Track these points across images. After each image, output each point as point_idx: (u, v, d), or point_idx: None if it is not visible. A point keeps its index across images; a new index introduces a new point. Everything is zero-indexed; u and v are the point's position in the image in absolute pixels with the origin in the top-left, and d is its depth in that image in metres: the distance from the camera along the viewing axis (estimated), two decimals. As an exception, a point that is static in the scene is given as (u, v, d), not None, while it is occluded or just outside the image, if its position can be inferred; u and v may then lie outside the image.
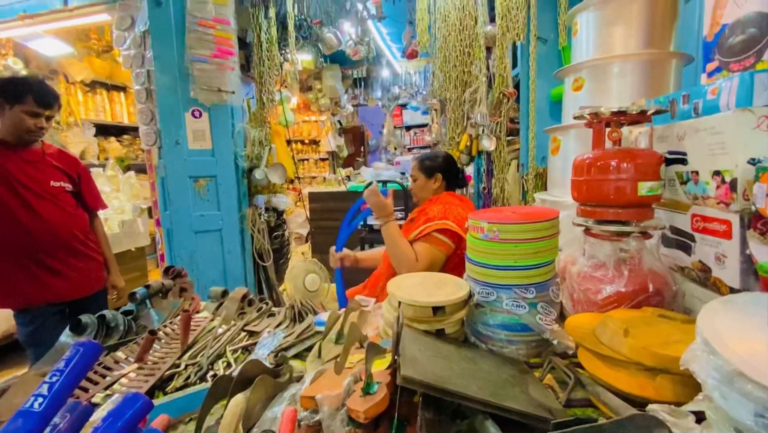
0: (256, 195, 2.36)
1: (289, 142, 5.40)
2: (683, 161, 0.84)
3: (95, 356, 0.49)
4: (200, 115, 2.14)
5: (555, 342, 0.84)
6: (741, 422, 0.43)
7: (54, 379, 0.43)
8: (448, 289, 0.95)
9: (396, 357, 0.69)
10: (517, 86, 2.05)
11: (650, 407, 0.56)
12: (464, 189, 1.93)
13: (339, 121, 5.78)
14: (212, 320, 1.13)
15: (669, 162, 0.88)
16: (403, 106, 6.09)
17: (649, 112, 0.87)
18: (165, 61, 2.07)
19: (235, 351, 0.96)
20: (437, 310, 0.90)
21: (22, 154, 1.56)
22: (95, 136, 3.47)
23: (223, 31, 2.04)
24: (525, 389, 0.72)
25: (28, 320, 1.53)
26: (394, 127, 6.17)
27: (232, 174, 2.23)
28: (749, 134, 0.69)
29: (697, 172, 0.80)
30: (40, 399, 0.41)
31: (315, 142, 6.17)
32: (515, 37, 1.78)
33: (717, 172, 0.74)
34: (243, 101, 2.37)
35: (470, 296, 0.94)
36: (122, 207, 2.89)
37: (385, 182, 2.57)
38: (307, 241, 4.63)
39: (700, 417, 0.54)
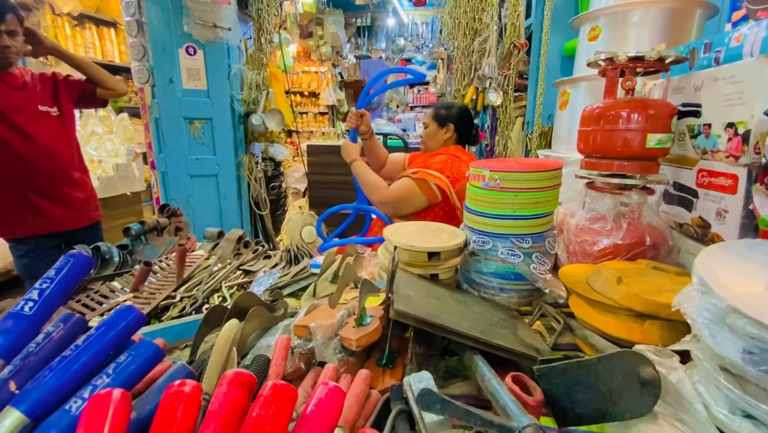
0: (253, 142, 2.30)
1: (287, 92, 5.22)
2: (696, 114, 0.81)
3: (86, 267, 0.49)
4: (195, 52, 2.03)
5: (547, 291, 0.85)
6: (728, 360, 0.44)
7: (44, 286, 0.43)
8: (444, 237, 0.96)
9: (390, 294, 0.70)
10: (529, 38, 1.94)
11: (637, 347, 0.58)
12: (475, 147, 1.89)
13: (340, 74, 5.55)
14: (208, 258, 1.14)
15: (681, 115, 0.85)
16: (408, 60, 5.83)
17: (668, 60, 0.82)
18: (157, -9, 1.93)
19: (230, 287, 0.97)
20: (432, 255, 0.91)
21: (4, 78, 1.48)
22: (85, 74, 3.31)
23: (219, -40, 1.89)
24: (514, 331, 0.74)
25: (25, 251, 1.54)
26: (397, 84, 5.95)
27: (228, 118, 2.16)
28: (771, 83, 0.65)
29: (709, 125, 0.78)
30: (31, 303, 0.41)
31: (315, 95, 5.95)
32: (531, -17, 1.67)
33: (731, 124, 0.72)
34: (240, 41, 2.25)
35: (466, 244, 0.94)
36: (116, 150, 2.82)
37: (386, 135, 2.50)
38: (304, 195, 4.61)
39: (684, 359, 0.55)
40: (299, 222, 2.63)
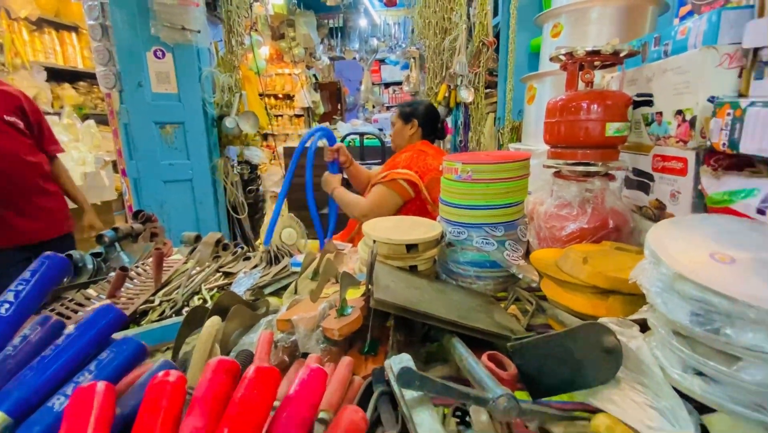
0: (228, 146, 2.27)
1: (261, 95, 5.16)
2: (650, 103, 0.87)
3: (62, 269, 0.48)
4: (163, 55, 1.99)
5: (521, 276, 0.90)
6: (678, 323, 0.48)
7: (20, 288, 0.42)
8: (421, 229, 0.98)
9: (369, 285, 0.72)
10: (497, 36, 2.01)
11: (601, 319, 0.62)
12: (441, 141, 1.94)
13: (314, 75, 5.53)
14: (186, 262, 1.12)
15: (636, 105, 0.91)
16: (382, 61, 5.87)
17: (622, 54, 0.88)
18: (120, -7, 1.88)
19: (210, 289, 0.97)
20: (410, 248, 0.93)
21: None
22: (47, 81, 3.18)
23: (185, -38, 1.86)
24: (490, 314, 0.77)
25: None
26: (373, 84, 5.98)
27: (201, 121, 2.12)
28: (712, 72, 0.71)
29: (661, 113, 0.83)
30: (7, 305, 0.41)
31: (289, 97, 5.90)
32: (497, -18, 1.73)
33: (679, 111, 0.78)
34: (210, 44, 2.21)
35: (442, 235, 0.97)
36: (83, 158, 2.72)
37: (362, 134, 2.52)
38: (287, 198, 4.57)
39: (644, 328, 0.60)
40: (279, 225, 2.61)
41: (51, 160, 1.67)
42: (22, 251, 1.53)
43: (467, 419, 0.52)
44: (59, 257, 0.48)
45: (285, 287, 1.00)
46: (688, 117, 0.75)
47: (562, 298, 0.75)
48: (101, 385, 0.35)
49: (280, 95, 5.91)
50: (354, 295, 0.78)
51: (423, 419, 0.43)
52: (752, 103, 0.60)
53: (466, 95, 1.91)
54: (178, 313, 0.86)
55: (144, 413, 0.34)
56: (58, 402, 0.37)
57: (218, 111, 2.22)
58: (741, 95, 0.70)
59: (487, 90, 2.02)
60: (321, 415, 0.43)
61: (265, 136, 5.09)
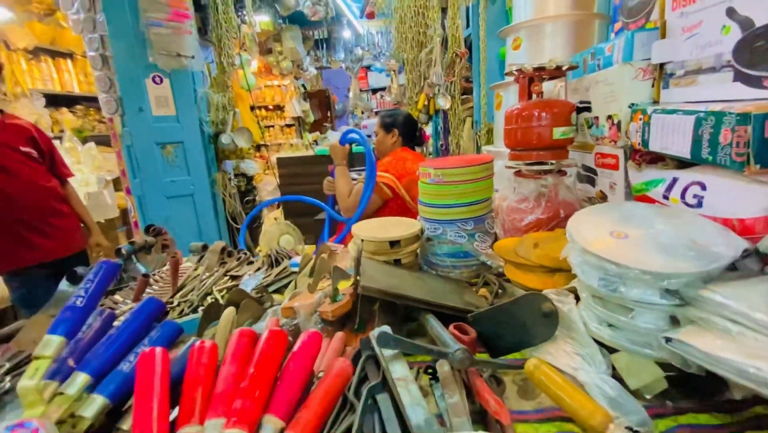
0: (225, 160, 2.41)
1: (252, 108, 5.29)
2: (589, 109, 1.02)
3: (115, 271, 0.62)
4: (161, 81, 2.13)
5: (489, 263, 1.04)
6: (592, 288, 0.63)
7: (87, 286, 0.55)
8: (402, 227, 1.12)
9: (357, 276, 0.86)
10: (470, 47, 2.16)
11: (544, 291, 0.76)
12: (423, 147, 2.08)
13: (303, 85, 5.69)
14: (196, 269, 1.26)
15: (579, 110, 1.06)
16: (368, 67, 6.04)
17: (564, 68, 1.03)
18: (119, 26, 2.02)
19: (221, 290, 1.10)
20: (393, 244, 1.07)
21: None
22: (46, 107, 3.31)
23: (176, -7, 2.00)
24: (461, 296, 0.91)
25: (19, 283, 1.61)
26: (360, 90, 6.14)
27: (199, 139, 2.26)
28: (630, 84, 0.86)
29: (597, 118, 0.98)
30: (81, 298, 0.54)
31: (279, 108, 6.05)
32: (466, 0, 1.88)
33: (609, 116, 0.93)
34: (203, 66, 2.36)
35: (422, 232, 1.11)
36: (86, 179, 2.85)
37: (350, 142, 2.66)
38: (278, 207, 4.70)
39: (578, 297, 0.74)
40: (276, 232, 2.74)
41: (63, 183, 1.80)
42: (44, 268, 1.66)
43: (436, 375, 0.66)
44: (112, 263, 0.62)
45: (286, 285, 1.14)
46: (615, 121, 0.90)
47: (519, 278, 0.90)
48: (159, 349, 0.48)
49: (271, 106, 6.05)
50: (345, 285, 0.91)
51: (396, 368, 0.57)
52: (655, 111, 0.75)
53: (443, 103, 2.06)
54: (194, 311, 0.99)
55: (191, 366, 0.47)
56: (125, 366, 0.50)
57: (214, 128, 2.36)
58: (655, 102, 0.85)
59: (465, 96, 2.18)
60: (319, 374, 0.57)
61: (258, 147, 5.22)
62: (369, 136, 3.86)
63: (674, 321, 0.55)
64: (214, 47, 2.38)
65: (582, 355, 0.63)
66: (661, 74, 0.82)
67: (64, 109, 3.58)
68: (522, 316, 0.70)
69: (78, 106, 3.78)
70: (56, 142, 2.99)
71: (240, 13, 2.67)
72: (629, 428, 0.50)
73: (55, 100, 3.53)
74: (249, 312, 0.88)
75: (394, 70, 2.76)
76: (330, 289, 0.90)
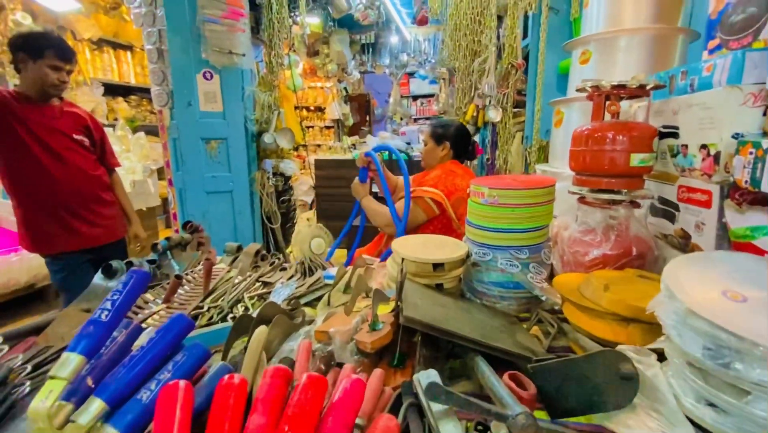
0: (265, 159, 2.41)
1: (297, 107, 5.36)
2: (675, 135, 0.89)
3: (145, 282, 0.57)
4: (211, 77, 2.16)
5: (544, 298, 0.92)
6: (692, 356, 0.52)
7: (115, 297, 0.51)
8: (447, 249, 1.03)
9: (399, 303, 0.78)
10: (526, 58, 2.04)
11: (620, 347, 0.65)
12: (475, 161, 1.99)
13: (345, 89, 5.71)
14: (229, 271, 1.22)
15: (662, 135, 0.93)
16: (411, 74, 5.98)
17: (648, 87, 0.91)
18: (176, 21, 2.06)
19: (252, 298, 1.06)
20: (437, 266, 0.98)
21: (44, 110, 1.62)
22: (103, 95, 3.48)
23: (233, -9, 2.03)
24: (512, 335, 0.81)
25: (61, 266, 1.66)
26: (401, 97, 6.09)
27: (242, 137, 2.28)
28: (736, 110, 0.73)
29: (686, 146, 0.86)
30: (106, 312, 0.49)
31: (320, 110, 6.12)
32: (527, 7, 1.77)
33: (704, 146, 0.80)
34: (253, 64, 2.38)
35: (468, 255, 1.02)
36: (133, 167, 2.95)
37: (390, 151, 2.60)
38: (311, 208, 4.72)
39: (661, 357, 0.62)
40: (308, 235, 2.72)
41: (110, 173, 1.85)
42: (86, 253, 1.70)
43: (487, 431, 0.57)
44: (143, 272, 0.57)
45: (318, 298, 1.08)
46: (712, 152, 0.78)
47: (583, 323, 0.78)
48: (182, 383, 0.42)
49: (312, 108, 6.13)
50: (384, 310, 0.84)
51: (448, 430, 0.48)
52: (774, 145, 0.63)
53: (493, 115, 1.96)
54: (224, 319, 0.95)
55: (215, 409, 0.41)
56: (144, 395, 0.45)
57: (258, 127, 2.37)
58: (765, 133, 0.72)
59: (516, 109, 2.06)
60: (357, 421, 0.50)
61: (296, 147, 5.28)
62: (408, 143, 3.79)
63: (813, 419, 0.43)
64: (264, 46, 2.40)
65: (671, 435, 0.52)
66: (780, 101, 0.69)
67: (120, 99, 3.76)
68: (594, 375, 0.60)
69: (132, 97, 3.96)
70: (109, 130, 3.13)
71: (293, 14, 2.69)
72: None
73: (112, 90, 3.71)
74: (280, 328, 0.82)
75: (444, 79, 2.69)
76: (367, 312, 0.83)
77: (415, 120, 6.41)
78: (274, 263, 1.29)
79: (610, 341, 0.73)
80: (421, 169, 1.78)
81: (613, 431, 0.56)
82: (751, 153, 0.67)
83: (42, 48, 1.52)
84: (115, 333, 0.53)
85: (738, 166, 0.70)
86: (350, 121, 6.03)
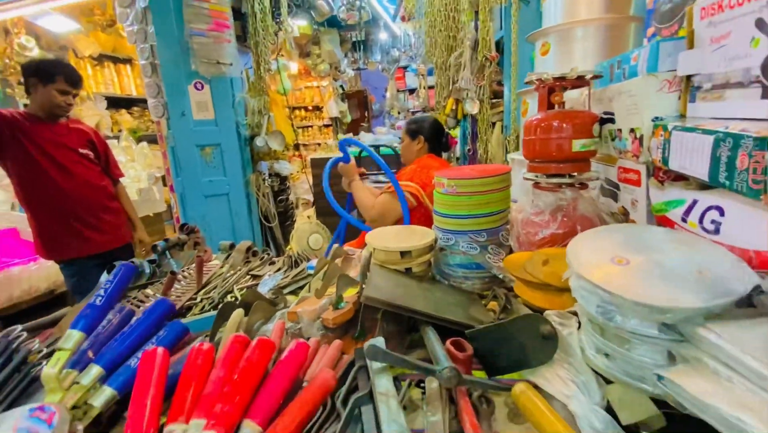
0: (259, 161, 2.53)
1: (293, 109, 5.47)
2: (613, 120, 0.97)
3: (132, 273, 0.68)
4: (202, 87, 2.27)
5: (501, 276, 1.02)
6: (590, 314, 0.61)
7: (107, 286, 0.62)
8: (416, 237, 1.12)
9: (362, 285, 0.88)
10: (501, 50, 2.10)
11: (546, 312, 0.74)
12: (450, 152, 2.06)
13: (341, 86, 5.80)
14: (222, 267, 1.34)
15: (603, 121, 1.01)
16: (405, 68, 6.04)
17: (587, 77, 0.99)
18: (166, 36, 2.18)
19: (241, 289, 1.17)
20: (404, 254, 1.08)
21: (52, 128, 1.76)
22: (107, 108, 3.63)
23: (218, 5, 2.13)
24: (466, 309, 0.91)
25: (73, 271, 1.81)
26: (398, 91, 6.15)
27: (235, 142, 2.40)
28: (654, 96, 0.81)
29: (620, 130, 0.93)
30: (100, 298, 0.61)
31: (318, 109, 6.21)
32: (497, 1, 1.83)
33: (632, 130, 0.88)
34: (241, 72, 2.49)
35: (436, 242, 1.11)
36: (138, 176, 3.10)
37: (377, 147, 2.69)
38: (313, 205, 4.84)
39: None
40: (306, 231, 2.84)
41: (114, 183, 1.99)
42: (94, 258, 1.84)
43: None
44: (130, 265, 0.69)
45: (302, 288, 1.19)
46: (638, 135, 0.85)
47: (526, 295, 0.88)
48: (160, 349, 0.53)
49: (310, 107, 6.23)
50: (351, 293, 0.94)
51: (381, 382, 0.59)
52: (675, 127, 0.71)
53: (470, 108, 2.02)
54: (215, 308, 1.06)
55: (187, 366, 0.52)
56: (133, 362, 0.56)
57: (250, 131, 2.48)
58: (682, 116, 0.80)
59: (496, 100, 2.12)
60: (304, 376, 0.60)
61: (296, 147, 5.40)
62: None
63: (671, 357, 0.52)
64: (252, 53, 2.50)
65: (577, 382, 0.61)
66: (688, 87, 0.77)
67: (123, 111, 3.91)
68: (520, 336, 0.69)
69: (135, 108, 4.12)
70: (114, 142, 3.28)
71: (277, 20, 2.79)
72: (612, 465, 0.48)
73: (115, 102, 3.87)
74: (260, 313, 0.93)
75: (423, 74, 2.74)
76: (336, 296, 0.93)
77: (413, 113, 6.46)
78: (263, 258, 1.40)
79: (547, 309, 0.82)
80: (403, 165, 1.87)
81: (533, 381, 0.65)
82: (661, 135, 0.75)
83: (53, 74, 1.67)
84: (110, 316, 0.64)
85: (654, 147, 0.78)
86: (348, 119, 6.11)
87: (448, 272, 1.09)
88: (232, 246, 1.48)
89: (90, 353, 0.58)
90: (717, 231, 0.61)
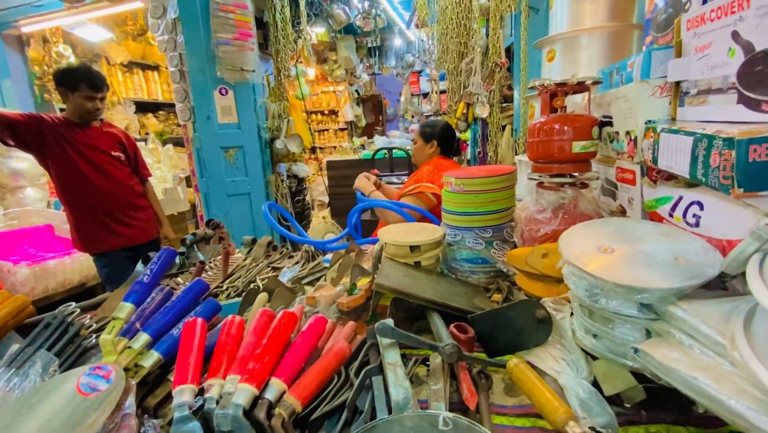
0: (279, 163, 2.65)
1: (310, 113, 5.61)
2: (611, 123, 1.03)
3: (173, 256, 0.78)
4: (226, 92, 2.41)
5: (506, 270, 1.08)
6: (580, 297, 0.67)
7: (152, 267, 0.72)
8: (425, 233, 1.20)
9: (374, 274, 0.96)
10: (511, 56, 2.16)
11: (543, 299, 0.81)
12: (461, 156, 2.12)
13: (357, 91, 5.92)
14: (245, 259, 1.44)
15: (603, 124, 1.06)
16: (419, 73, 6.12)
17: (587, 83, 1.05)
18: (194, 45, 2.32)
19: (263, 279, 1.26)
20: (413, 248, 1.15)
21: (87, 131, 1.91)
22: (135, 113, 3.83)
23: (242, 15, 2.26)
24: (470, 299, 0.97)
25: (105, 263, 1.95)
26: (412, 95, 6.24)
27: (256, 144, 2.52)
28: (647, 101, 0.87)
29: (618, 132, 0.99)
30: (147, 275, 0.70)
31: (334, 113, 6.36)
32: (507, 9, 1.89)
33: (627, 132, 0.93)
34: (263, 78, 2.62)
35: (444, 238, 1.18)
36: (164, 176, 3.27)
37: (390, 149, 2.78)
38: (329, 206, 4.96)
39: (576, 306, 0.77)
40: (321, 230, 2.94)
41: (143, 182, 2.13)
42: (125, 251, 1.99)
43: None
44: (171, 249, 0.78)
45: (318, 279, 1.28)
46: (633, 137, 0.91)
47: (527, 286, 0.94)
48: (200, 320, 0.62)
49: (326, 111, 6.38)
50: (364, 282, 1.02)
51: (390, 355, 0.66)
52: (663, 129, 0.77)
53: (480, 111, 2.09)
54: (239, 295, 1.16)
55: (222, 335, 0.60)
56: (176, 331, 0.65)
57: (270, 134, 2.61)
58: (673, 119, 0.85)
59: (506, 104, 2.18)
60: (320, 345, 0.68)
61: (313, 150, 5.53)
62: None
63: (648, 334, 0.58)
64: (273, 60, 2.63)
65: (567, 360, 0.68)
66: (677, 92, 0.82)
67: (150, 115, 4.12)
68: (518, 320, 0.76)
69: (161, 111, 4.32)
70: (141, 144, 3.47)
71: (296, 28, 2.91)
72: (592, 428, 0.55)
73: (143, 107, 4.08)
74: (281, 299, 1.02)
75: (435, 79, 2.82)
76: (350, 284, 1.01)
77: (427, 117, 6.54)
78: (283, 252, 1.49)
79: (545, 297, 0.88)
80: (415, 165, 1.95)
81: (530, 361, 0.72)
82: (652, 137, 0.81)
83: (75, 82, 1.81)
84: (153, 294, 0.74)
85: (645, 148, 0.84)
86: (363, 122, 6.24)
87: (455, 266, 1.16)
88: (254, 241, 1.58)
89: (138, 325, 0.67)
90: (697, 224, 0.67)
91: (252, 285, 1.21)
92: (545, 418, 0.57)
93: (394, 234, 1.20)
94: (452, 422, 0.49)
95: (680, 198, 0.74)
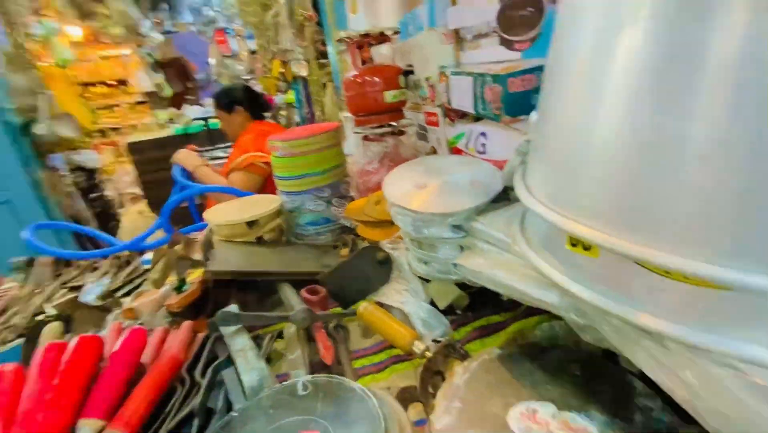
0: (49, 155, 2.00)
1: (86, 85, 4.42)
2: (412, 72, 1.12)
3: None
4: None
5: (349, 225, 1.11)
6: (408, 232, 0.73)
7: None
8: (260, 206, 1.11)
9: (206, 262, 0.85)
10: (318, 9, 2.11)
11: (381, 242, 0.86)
12: (273, 111, 2.01)
13: (150, 54, 4.89)
14: (22, 288, 1.08)
15: (406, 73, 1.15)
16: (226, 30, 5.45)
17: (387, 33, 1.10)
18: None
19: (56, 307, 0.97)
20: (252, 224, 1.06)
21: None
22: None
23: None
24: (320, 260, 0.97)
25: None
26: (223, 57, 5.55)
27: (1, 133, 1.82)
28: (438, 48, 0.96)
29: (419, 79, 1.09)
30: None
31: (123, 83, 5.13)
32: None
33: (427, 78, 1.03)
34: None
35: (282, 206, 1.12)
36: None
37: (206, 118, 2.45)
38: (145, 198, 4.15)
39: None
40: (140, 228, 2.46)
41: None
42: None
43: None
44: None
45: (139, 286, 1.06)
46: (431, 82, 1.01)
47: (368, 234, 0.98)
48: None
49: (112, 82, 5.09)
50: (197, 274, 0.89)
51: (236, 342, 0.60)
52: (452, 73, 0.87)
53: (298, 69, 2.01)
54: (22, 336, 0.86)
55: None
56: None
57: (23, 117, 1.91)
58: (459, 63, 0.97)
59: (324, 60, 2.15)
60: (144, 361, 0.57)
61: (102, 132, 4.44)
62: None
63: (462, 249, 0.68)
64: (1, 18, 1.87)
65: (408, 290, 0.75)
66: (459, 39, 0.94)
67: None
68: (363, 268, 0.79)
69: None
70: None
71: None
72: (435, 340, 0.62)
73: None
74: (87, 324, 0.81)
75: (241, 35, 2.54)
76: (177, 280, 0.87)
77: (246, 80, 5.97)
78: (80, 265, 1.17)
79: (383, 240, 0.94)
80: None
81: (379, 301, 0.76)
82: (444, 80, 0.91)
83: None
84: None
85: (441, 91, 0.95)
86: (169, 92, 5.25)
87: (301, 231, 1.13)
88: (30, 262, 1.19)
89: None
90: (484, 151, 0.80)
91: (41, 316, 0.92)
92: (397, 346, 0.63)
93: (226, 213, 1.08)
94: (311, 383, 0.48)
95: (471, 132, 0.87)
